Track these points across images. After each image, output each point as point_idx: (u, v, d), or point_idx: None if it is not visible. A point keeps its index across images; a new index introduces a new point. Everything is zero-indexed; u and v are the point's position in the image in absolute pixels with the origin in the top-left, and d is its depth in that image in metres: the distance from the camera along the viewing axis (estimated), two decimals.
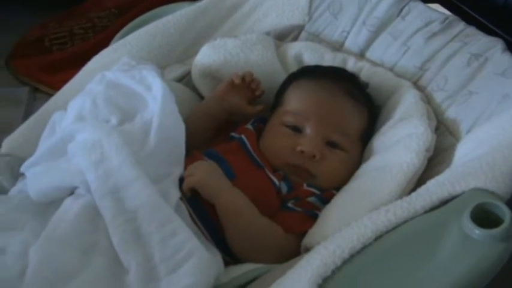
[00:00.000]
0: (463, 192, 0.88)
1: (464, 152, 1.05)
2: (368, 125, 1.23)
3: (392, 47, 1.34)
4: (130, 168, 1.01)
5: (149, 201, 0.98)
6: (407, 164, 1.04)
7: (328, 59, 1.34)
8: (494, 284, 0.80)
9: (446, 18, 1.30)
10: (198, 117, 1.29)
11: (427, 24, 1.31)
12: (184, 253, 0.92)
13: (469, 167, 0.93)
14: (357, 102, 1.22)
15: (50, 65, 2.19)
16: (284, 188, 1.13)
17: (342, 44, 1.43)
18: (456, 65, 1.22)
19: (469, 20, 1.31)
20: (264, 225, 1.06)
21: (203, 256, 0.93)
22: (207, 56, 1.37)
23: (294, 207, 1.10)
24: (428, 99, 1.22)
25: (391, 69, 1.32)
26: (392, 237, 0.85)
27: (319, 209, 1.09)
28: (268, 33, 1.44)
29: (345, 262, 0.82)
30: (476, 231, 0.80)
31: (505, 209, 0.82)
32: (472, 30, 1.28)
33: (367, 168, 1.13)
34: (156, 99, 1.18)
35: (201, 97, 1.40)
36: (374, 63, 1.35)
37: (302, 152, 1.14)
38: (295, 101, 1.22)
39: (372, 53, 1.38)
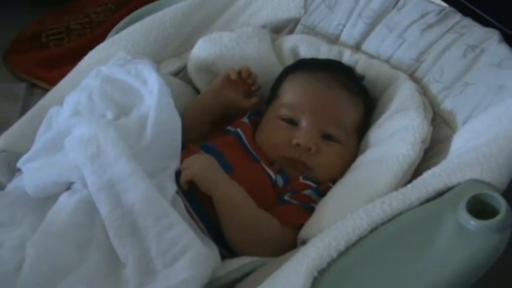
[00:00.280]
0: (459, 184, 0.88)
1: (460, 143, 1.05)
2: (364, 118, 1.23)
3: (388, 39, 1.33)
4: (127, 162, 1.01)
5: (145, 195, 0.98)
6: (403, 155, 1.04)
7: (324, 51, 1.34)
8: (490, 275, 0.80)
9: (442, 9, 1.30)
10: (194, 111, 1.29)
11: (422, 16, 1.30)
12: (181, 247, 0.93)
13: (465, 158, 0.93)
14: (352, 95, 1.21)
15: (47, 61, 2.20)
16: (280, 181, 1.13)
17: (337, 37, 1.42)
18: (452, 56, 1.22)
19: (465, 11, 1.31)
20: (261, 218, 1.06)
21: (200, 249, 0.93)
22: (202, 49, 1.36)
23: (290, 200, 1.10)
24: (424, 91, 1.22)
25: (387, 62, 1.32)
26: (388, 229, 0.85)
27: (316, 202, 1.09)
28: (264, 27, 1.44)
29: (341, 254, 0.82)
30: (472, 223, 0.80)
31: (500, 200, 0.81)
32: (468, 21, 1.27)
33: (363, 160, 1.13)
34: (152, 94, 1.18)
35: (197, 91, 1.40)
36: (370, 56, 1.34)
37: (298, 145, 1.14)
38: (291, 94, 1.22)
39: (367, 46, 1.37)
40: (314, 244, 0.86)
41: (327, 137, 1.17)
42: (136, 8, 1.59)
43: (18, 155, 1.17)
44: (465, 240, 0.80)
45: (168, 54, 1.45)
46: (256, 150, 1.18)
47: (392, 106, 1.19)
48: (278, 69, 1.32)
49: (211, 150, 1.16)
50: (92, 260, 0.93)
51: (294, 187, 1.13)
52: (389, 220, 0.86)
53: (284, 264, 0.87)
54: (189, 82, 1.40)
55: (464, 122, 1.10)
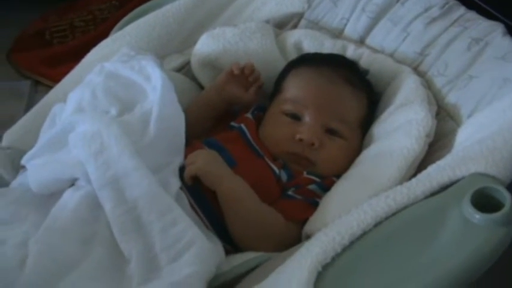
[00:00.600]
0: (464, 177, 0.88)
1: (465, 136, 1.05)
2: (368, 112, 1.23)
3: (392, 33, 1.33)
4: (130, 158, 1.01)
5: (149, 191, 0.98)
6: (407, 149, 1.04)
7: (328, 46, 1.34)
8: (494, 268, 0.80)
9: (446, 3, 1.29)
10: (198, 107, 1.29)
11: (426, 10, 1.30)
12: (185, 242, 0.93)
13: (469, 151, 0.93)
14: (356, 89, 1.21)
15: (51, 58, 2.19)
16: (284, 176, 1.13)
17: (341, 31, 1.42)
18: (456, 49, 1.21)
19: (469, 5, 1.30)
20: (265, 213, 1.06)
21: (204, 245, 0.93)
22: (206, 45, 1.36)
23: (294, 195, 1.10)
24: (428, 85, 1.22)
25: (391, 56, 1.32)
26: (392, 223, 0.85)
27: (320, 197, 1.09)
28: (267, 22, 1.44)
29: (345, 249, 0.82)
30: (477, 216, 0.80)
31: (505, 193, 0.81)
32: (472, 14, 1.27)
33: (368, 154, 1.13)
34: (155, 89, 1.18)
35: (201, 87, 1.40)
36: (374, 50, 1.34)
37: (301, 140, 1.14)
38: (294, 88, 1.22)
39: (371, 40, 1.37)
40: (318, 239, 0.85)
41: (331, 132, 1.17)
42: (140, 5, 1.59)
43: (22, 152, 1.17)
44: (470, 233, 0.80)
45: (171, 50, 1.45)
46: (260, 145, 1.18)
47: (397, 100, 1.18)
48: (281, 64, 1.32)
49: (215, 145, 1.15)
50: (96, 256, 0.93)
51: (297, 182, 1.12)
52: (394, 214, 0.86)
53: (288, 259, 0.86)
54: (193, 78, 1.40)
55: (469, 116, 1.10)
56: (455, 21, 1.26)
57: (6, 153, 1.23)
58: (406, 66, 1.26)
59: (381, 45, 1.34)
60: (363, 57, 1.31)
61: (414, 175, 0.97)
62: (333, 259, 0.81)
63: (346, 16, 1.41)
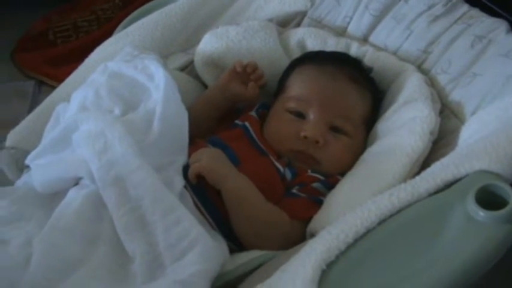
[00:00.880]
0: (467, 175, 0.87)
1: (468, 134, 1.05)
2: (372, 110, 1.23)
3: (395, 31, 1.33)
4: (134, 157, 1.01)
5: (153, 190, 0.98)
6: (411, 146, 1.04)
7: (332, 44, 1.34)
8: (498, 266, 0.79)
9: (449, 0, 1.29)
10: (201, 106, 1.29)
11: (430, 7, 1.29)
12: (189, 241, 0.92)
13: (473, 148, 0.92)
14: (360, 87, 1.21)
15: (54, 58, 2.20)
16: (288, 175, 1.13)
17: (345, 29, 1.42)
18: (460, 47, 1.21)
19: (473, 2, 1.30)
20: (270, 211, 1.06)
21: (208, 244, 0.93)
22: (209, 44, 1.36)
23: (299, 193, 1.10)
24: (432, 82, 1.22)
25: (394, 53, 1.31)
26: (396, 221, 0.84)
27: (324, 195, 1.09)
28: (270, 20, 1.44)
29: (349, 247, 0.82)
30: (481, 213, 0.80)
31: (509, 190, 0.80)
32: (475, 12, 1.26)
33: (372, 152, 1.12)
34: (158, 89, 1.18)
35: (205, 86, 1.40)
36: (377, 48, 1.34)
37: (305, 137, 1.14)
38: (298, 86, 1.22)
39: (375, 38, 1.37)
40: (322, 237, 0.85)
41: (335, 130, 1.16)
42: (143, 4, 1.59)
43: (26, 152, 1.18)
44: (474, 231, 0.79)
45: (174, 49, 1.45)
46: (264, 143, 1.18)
47: (401, 98, 1.18)
48: (285, 62, 1.32)
49: (219, 144, 1.16)
50: (100, 255, 0.93)
51: (302, 180, 1.12)
52: (398, 212, 0.86)
53: (292, 257, 0.86)
54: (196, 77, 1.40)
55: (473, 113, 1.09)
56: (458, 18, 1.26)
57: (10, 153, 1.24)
58: (410, 64, 1.26)
59: (384, 43, 1.34)
60: (367, 55, 1.31)
61: (418, 173, 0.97)
62: (337, 257, 0.80)
63: (349, 14, 1.41)
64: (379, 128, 1.18)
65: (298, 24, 1.47)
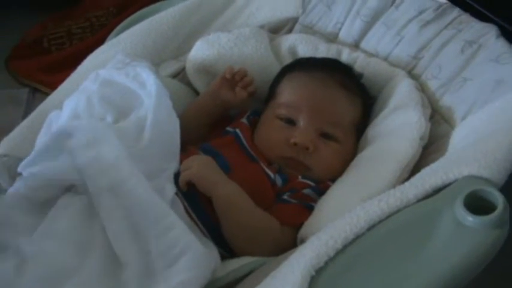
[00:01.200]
0: (456, 180, 0.87)
1: (458, 139, 1.05)
2: (362, 116, 1.23)
3: (386, 36, 1.33)
4: (125, 164, 1.01)
5: (144, 197, 0.98)
6: (401, 152, 1.05)
7: (323, 50, 1.34)
8: (488, 270, 0.80)
9: (440, 6, 1.30)
10: (193, 113, 1.29)
11: (420, 13, 1.30)
12: (180, 248, 0.93)
13: (462, 154, 0.93)
14: (350, 93, 1.21)
15: (49, 66, 2.19)
16: (279, 181, 1.13)
17: (336, 36, 1.42)
18: (450, 52, 1.22)
19: (463, 6, 1.30)
20: (260, 218, 1.06)
21: (199, 250, 0.93)
22: (201, 51, 1.37)
23: (290, 200, 1.10)
24: (422, 88, 1.22)
25: (385, 59, 1.32)
26: (385, 227, 0.84)
27: (315, 201, 1.09)
28: (262, 27, 1.44)
29: (338, 253, 0.82)
30: (470, 219, 0.80)
31: (498, 195, 0.80)
32: (465, 17, 1.27)
33: (362, 158, 1.13)
34: (150, 96, 1.17)
35: (197, 93, 1.40)
36: (368, 54, 1.34)
37: (295, 144, 1.14)
38: (288, 93, 1.22)
39: (366, 44, 1.37)
40: (311, 243, 0.85)
41: (325, 136, 1.17)
42: (137, 11, 1.59)
43: (19, 160, 1.17)
44: (463, 236, 0.79)
45: (166, 56, 1.45)
46: (255, 150, 1.18)
47: (391, 103, 1.19)
48: (276, 68, 1.33)
49: (210, 151, 1.16)
50: (92, 263, 0.93)
51: (293, 186, 1.13)
52: (387, 218, 0.86)
53: (282, 264, 0.86)
54: (188, 84, 1.40)
55: (463, 118, 1.10)
56: (448, 24, 1.26)
57: (2, 161, 1.23)
58: (401, 70, 1.27)
59: (375, 49, 1.35)
60: (358, 61, 1.31)
61: (408, 178, 0.97)
62: (326, 263, 0.81)
63: (340, 20, 1.42)
64: (369, 133, 1.18)
65: (290, 31, 1.47)
